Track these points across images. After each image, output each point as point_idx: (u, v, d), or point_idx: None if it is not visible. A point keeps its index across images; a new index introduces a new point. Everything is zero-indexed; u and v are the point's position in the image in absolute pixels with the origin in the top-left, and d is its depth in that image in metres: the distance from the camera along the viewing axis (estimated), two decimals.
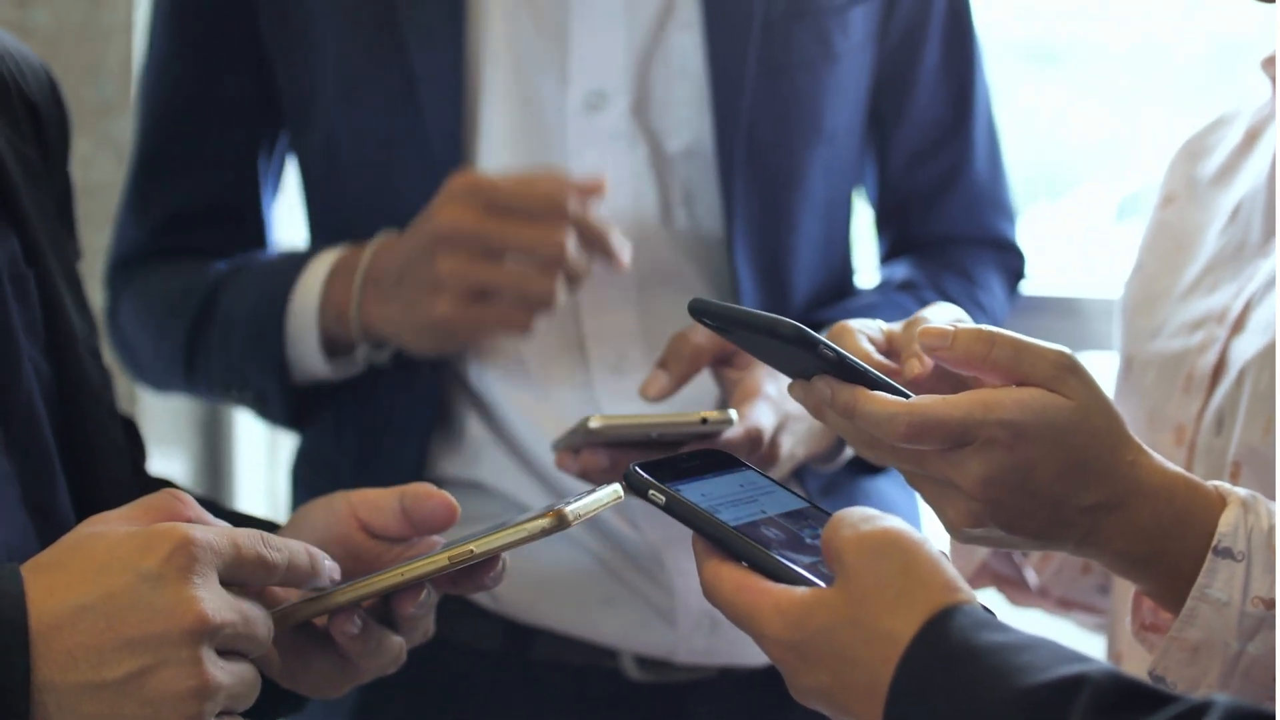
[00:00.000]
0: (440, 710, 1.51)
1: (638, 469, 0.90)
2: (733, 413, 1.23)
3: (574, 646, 1.49)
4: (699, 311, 0.94)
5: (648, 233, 1.47)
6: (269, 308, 1.47)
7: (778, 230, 1.50)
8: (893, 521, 0.84)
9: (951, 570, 0.82)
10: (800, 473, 1.46)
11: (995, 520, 0.94)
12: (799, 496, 0.94)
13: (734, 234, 1.47)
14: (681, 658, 1.48)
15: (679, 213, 1.48)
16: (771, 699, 1.48)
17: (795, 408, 1.26)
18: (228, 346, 1.50)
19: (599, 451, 1.26)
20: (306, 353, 1.47)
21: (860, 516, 0.84)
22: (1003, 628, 0.78)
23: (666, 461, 0.92)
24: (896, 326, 1.04)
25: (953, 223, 1.63)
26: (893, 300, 1.56)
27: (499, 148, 1.45)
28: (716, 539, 0.87)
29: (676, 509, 0.88)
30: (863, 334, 1.01)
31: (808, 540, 0.88)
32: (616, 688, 1.49)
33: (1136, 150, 2.27)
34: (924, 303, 1.54)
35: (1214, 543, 0.94)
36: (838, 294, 1.58)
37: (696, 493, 0.90)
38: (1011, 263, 1.66)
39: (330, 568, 0.94)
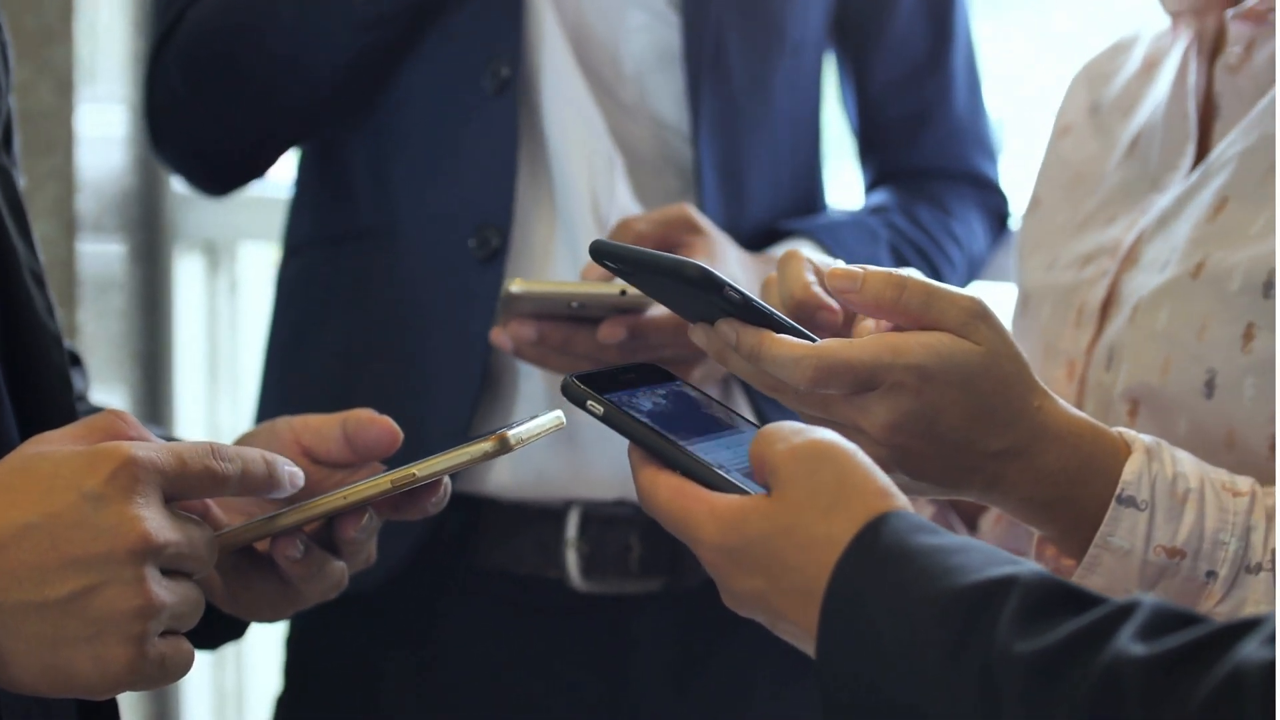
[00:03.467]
0: (381, 630, 1.52)
1: (575, 379, 0.90)
2: None
3: (522, 518, 1.50)
4: (599, 253, 0.93)
5: (599, 98, 1.48)
6: None
7: (741, 136, 1.51)
8: (823, 433, 0.84)
9: (884, 478, 0.82)
10: (763, 403, 1.47)
11: (900, 466, 0.93)
12: (732, 410, 0.94)
13: (699, 129, 1.48)
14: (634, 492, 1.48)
15: (630, 87, 1.49)
16: (714, 620, 1.51)
17: None
18: None
19: (526, 323, 1.30)
20: None
21: (790, 430, 0.84)
22: (936, 531, 0.79)
23: (604, 373, 0.92)
24: (855, 269, 1.03)
25: (931, 156, 1.64)
26: (860, 220, 1.57)
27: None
28: (653, 448, 0.87)
29: (614, 419, 0.88)
30: (809, 263, 0.99)
31: (742, 452, 0.88)
32: (561, 600, 1.51)
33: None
34: (891, 226, 1.55)
35: (1118, 491, 0.94)
36: (803, 212, 1.59)
37: (633, 404, 0.90)
38: (993, 201, 1.67)
39: (292, 473, 0.94)
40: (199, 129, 1.53)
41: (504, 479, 1.48)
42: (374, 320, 1.50)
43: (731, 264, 1.39)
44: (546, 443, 1.46)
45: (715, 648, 1.53)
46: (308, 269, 1.56)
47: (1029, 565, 0.76)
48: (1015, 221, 1.69)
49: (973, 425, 0.92)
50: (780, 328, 0.93)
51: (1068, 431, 0.94)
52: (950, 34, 1.63)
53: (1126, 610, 0.73)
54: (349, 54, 1.46)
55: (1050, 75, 2.26)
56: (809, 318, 0.96)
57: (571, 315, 1.30)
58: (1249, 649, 0.68)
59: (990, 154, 1.67)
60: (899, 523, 0.79)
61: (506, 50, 1.45)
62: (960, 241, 1.60)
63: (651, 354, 1.31)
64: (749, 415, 1.42)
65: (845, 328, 0.99)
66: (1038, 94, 2.28)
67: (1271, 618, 0.70)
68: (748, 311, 0.92)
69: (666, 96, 1.49)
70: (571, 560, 1.49)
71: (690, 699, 1.54)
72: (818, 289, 0.98)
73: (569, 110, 1.46)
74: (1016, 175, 1.73)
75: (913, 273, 0.94)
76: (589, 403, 0.89)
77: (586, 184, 1.45)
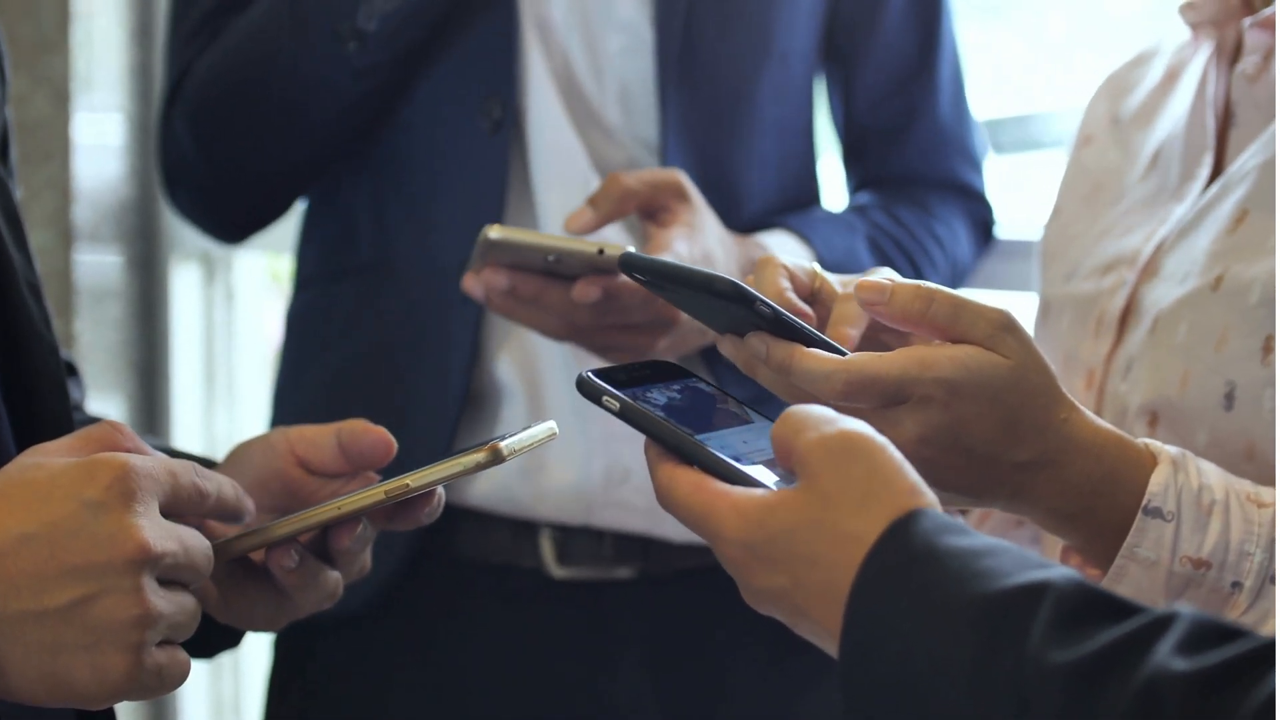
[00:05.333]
0: (363, 616, 1.52)
1: (591, 375, 0.89)
2: (631, 249, 1.25)
3: (495, 531, 1.52)
4: (629, 266, 0.93)
5: (582, 125, 1.49)
6: None
7: (722, 145, 1.52)
8: (855, 424, 0.82)
9: (914, 474, 0.81)
10: (729, 381, 1.47)
11: (927, 477, 0.91)
12: (748, 406, 0.94)
13: (667, 141, 1.48)
14: (598, 518, 1.51)
15: (613, 111, 1.50)
16: (690, 606, 1.52)
17: None
18: None
19: (500, 271, 1.30)
20: None
21: (819, 418, 0.83)
22: (966, 532, 0.78)
23: (619, 369, 0.91)
24: (833, 280, 1.03)
25: (914, 162, 1.64)
26: (839, 216, 1.57)
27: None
28: (670, 443, 0.87)
29: (631, 415, 0.88)
30: (783, 269, 1.00)
31: (759, 446, 0.88)
32: (537, 588, 1.52)
33: None
34: (870, 221, 1.56)
35: (1144, 502, 0.94)
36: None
37: (648, 399, 0.89)
38: (977, 210, 1.67)
39: (250, 506, 0.96)
40: (208, 180, 1.56)
41: (474, 497, 1.51)
42: (363, 351, 1.53)
43: (710, 239, 1.40)
44: (512, 473, 1.49)
45: (692, 634, 1.54)
46: (311, 303, 1.59)
47: (1061, 570, 0.75)
48: (999, 231, 1.70)
49: (1000, 438, 0.93)
50: (810, 341, 0.93)
51: (1093, 443, 0.95)
52: (937, 43, 1.63)
53: (1165, 621, 0.71)
54: (347, 100, 1.49)
55: (1046, 80, 2.27)
56: None
57: (547, 270, 1.30)
58: None
59: (975, 163, 1.67)
60: (929, 521, 0.78)
61: (498, 90, 1.47)
62: (942, 242, 1.60)
63: (623, 317, 1.32)
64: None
65: (863, 340, 0.99)
66: (1034, 98, 2.29)
67: None
68: (778, 325, 0.93)
69: (649, 117, 1.51)
70: (546, 547, 1.51)
71: (667, 685, 1.54)
72: (791, 295, 0.99)
73: (554, 144, 1.47)
74: (1014, 179, 1.74)
75: (916, 280, 0.95)
76: (604, 398, 0.89)
77: (562, 215, 1.47)
